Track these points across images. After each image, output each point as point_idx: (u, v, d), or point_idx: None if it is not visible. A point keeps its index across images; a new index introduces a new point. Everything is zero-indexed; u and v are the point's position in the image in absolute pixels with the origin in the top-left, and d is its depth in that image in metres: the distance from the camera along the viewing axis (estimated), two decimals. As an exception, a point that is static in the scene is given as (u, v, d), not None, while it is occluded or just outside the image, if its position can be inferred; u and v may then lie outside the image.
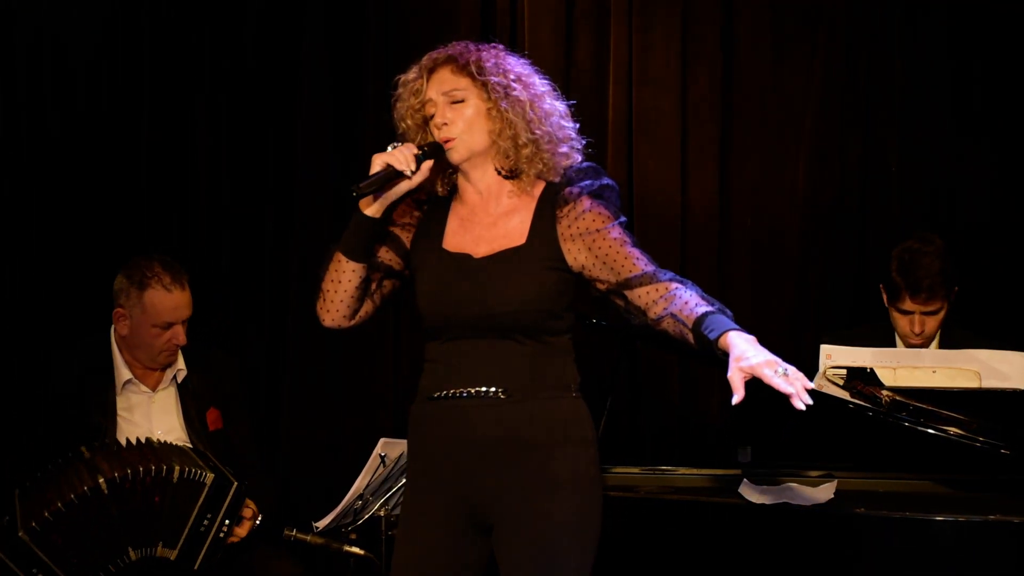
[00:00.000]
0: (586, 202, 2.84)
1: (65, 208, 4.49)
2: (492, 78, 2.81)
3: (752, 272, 4.74)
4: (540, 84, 2.88)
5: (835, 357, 3.70)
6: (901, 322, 3.99)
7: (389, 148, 2.83)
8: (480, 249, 2.86)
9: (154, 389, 3.84)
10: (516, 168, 2.85)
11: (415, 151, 2.82)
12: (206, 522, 3.48)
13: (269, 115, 4.67)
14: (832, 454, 3.70)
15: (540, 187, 2.89)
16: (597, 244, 2.82)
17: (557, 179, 2.88)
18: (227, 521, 3.50)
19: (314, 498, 4.29)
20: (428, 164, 2.83)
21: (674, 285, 2.83)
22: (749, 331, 4.60)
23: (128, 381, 3.80)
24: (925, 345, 3.99)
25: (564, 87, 4.61)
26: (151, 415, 3.81)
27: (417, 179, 2.83)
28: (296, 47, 4.66)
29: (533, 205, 2.86)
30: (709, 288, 4.59)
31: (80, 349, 3.86)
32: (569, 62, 4.73)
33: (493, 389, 2.80)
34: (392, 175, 2.81)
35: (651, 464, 3.84)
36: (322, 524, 3.61)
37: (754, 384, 2.77)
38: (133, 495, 3.41)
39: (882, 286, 4.07)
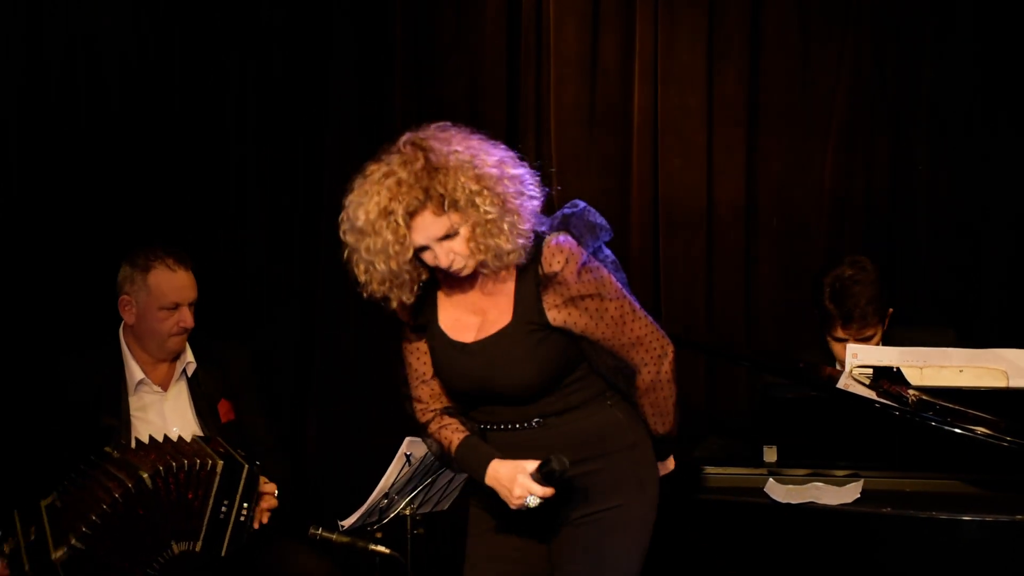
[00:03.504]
0: (569, 275, 2.85)
1: (92, 214, 4.50)
2: (461, 196, 2.78)
3: (779, 270, 4.71)
4: (489, 159, 2.85)
5: (861, 356, 3.69)
6: (836, 348, 3.98)
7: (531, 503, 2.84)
8: (468, 334, 2.92)
9: (165, 388, 3.85)
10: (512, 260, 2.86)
11: (544, 490, 2.82)
12: (224, 508, 3.49)
13: (298, 120, 4.68)
14: (858, 454, 3.69)
15: (516, 257, 2.87)
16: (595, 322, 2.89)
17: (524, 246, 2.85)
18: (245, 504, 3.51)
19: (340, 497, 4.30)
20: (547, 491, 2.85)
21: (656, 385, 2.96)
22: (776, 332, 4.65)
23: (140, 381, 3.81)
24: None
25: (589, 85, 4.73)
26: (164, 413, 3.83)
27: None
28: (325, 52, 4.66)
29: (514, 278, 2.88)
30: (736, 287, 4.68)
31: (89, 354, 3.87)
32: (594, 60, 4.72)
33: (526, 423, 2.91)
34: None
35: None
36: (348, 523, 3.62)
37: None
38: (168, 489, 3.42)
39: (816, 312, 4.05)
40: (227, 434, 3.81)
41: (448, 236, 2.81)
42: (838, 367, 3.94)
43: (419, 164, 2.79)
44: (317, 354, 4.69)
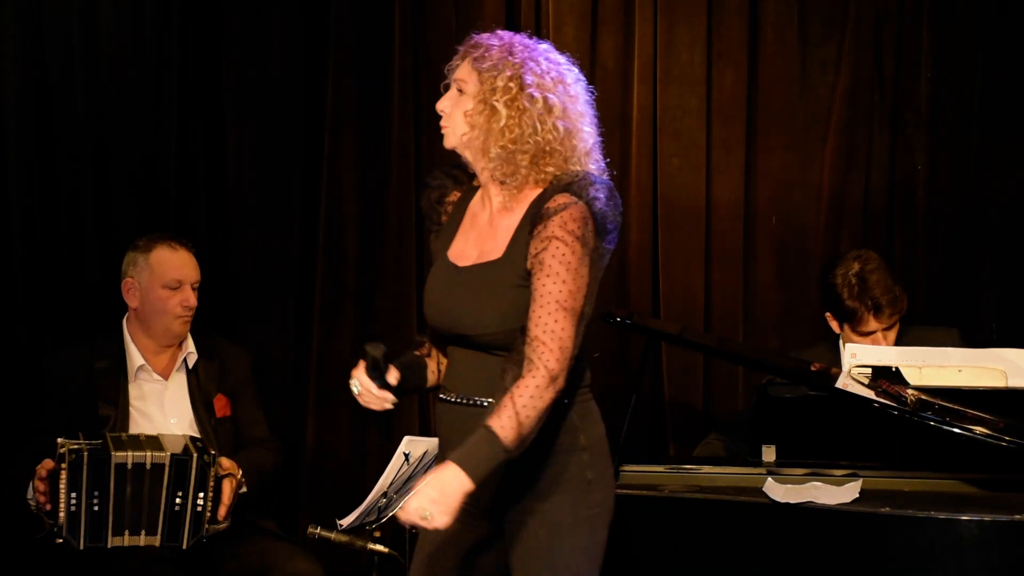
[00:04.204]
0: (557, 224, 2.70)
1: (92, 208, 4.50)
2: (487, 76, 2.75)
3: (777, 271, 4.72)
4: (552, 94, 2.76)
5: (860, 356, 3.70)
6: (863, 343, 3.97)
7: (354, 391, 2.83)
8: (467, 257, 2.84)
9: (166, 376, 3.86)
10: (490, 173, 2.80)
11: (376, 384, 2.80)
12: (179, 500, 3.51)
13: (296, 120, 4.68)
14: (857, 453, 3.69)
15: (534, 194, 2.79)
16: (535, 276, 2.72)
17: (545, 186, 2.77)
18: (200, 494, 3.53)
19: (338, 496, 4.30)
20: (396, 374, 2.83)
21: (521, 390, 2.65)
22: (777, 330, 4.65)
23: (140, 367, 3.83)
24: None
25: (588, 84, 4.69)
26: (164, 403, 3.85)
27: (393, 377, 2.83)
28: (324, 52, 4.66)
29: (521, 215, 2.78)
30: (734, 286, 4.68)
31: (89, 343, 3.90)
32: (593, 60, 4.71)
33: (482, 400, 2.77)
34: (386, 413, 2.86)
35: (675, 463, 3.83)
36: (346, 522, 3.61)
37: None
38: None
39: (829, 315, 4.05)
40: (222, 428, 3.85)
41: (460, 89, 2.78)
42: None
43: (503, 43, 2.78)
44: (315, 353, 4.68)
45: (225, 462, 3.67)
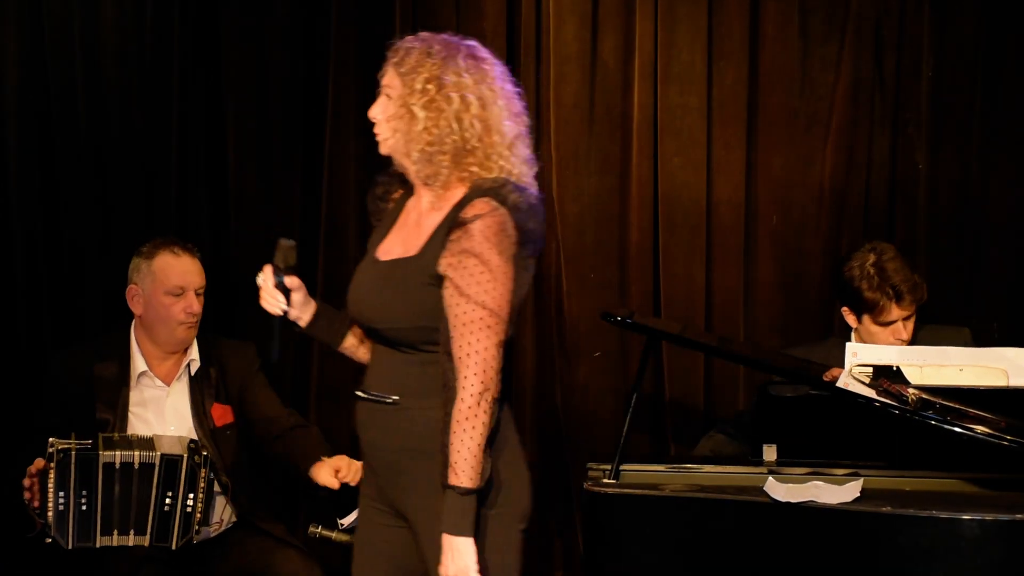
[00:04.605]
0: (474, 234, 2.71)
1: (92, 208, 4.50)
2: (407, 79, 2.79)
3: (778, 270, 4.71)
4: (470, 92, 2.78)
5: (861, 355, 3.69)
6: (882, 335, 3.98)
7: (258, 282, 2.91)
8: (390, 253, 2.87)
9: (168, 383, 3.86)
10: (414, 175, 2.84)
11: (273, 280, 2.89)
12: (168, 501, 3.51)
13: (297, 118, 4.68)
14: (859, 452, 3.69)
15: (460, 193, 2.81)
16: (452, 295, 2.74)
17: (467, 190, 2.79)
18: (190, 495, 3.53)
19: (339, 495, 4.29)
20: (296, 282, 2.91)
21: (455, 425, 2.70)
22: (779, 330, 4.65)
23: (143, 373, 3.83)
24: None
25: (589, 84, 4.72)
26: (164, 410, 3.85)
27: (298, 296, 2.91)
28: (324, 50, 4.66)
29: (443, 215, 2.81)
30: (735, 285, 4.68)
31: (92, 345, 3.90)
32: (594, 59, 4.71)
33: (386, 397, 2.83)
34: (280, 322, 2.91)
35: (676, 462, 3.82)
36: (347, 521, 3.61)
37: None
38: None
39: (847, 309, 4.05)
40: (222, 436, 3.83)
41: (387, 95, 2.83)
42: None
43: (423, 45, 2.82)
44: (316, 352, 4.68)
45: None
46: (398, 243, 2.88)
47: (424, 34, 2.87)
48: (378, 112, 2.87)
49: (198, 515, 3.58)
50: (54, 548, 3.51)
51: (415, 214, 2.89)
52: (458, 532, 2.72)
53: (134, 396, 3.83)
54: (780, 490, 3.41)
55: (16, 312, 4.41)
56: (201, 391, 3.87)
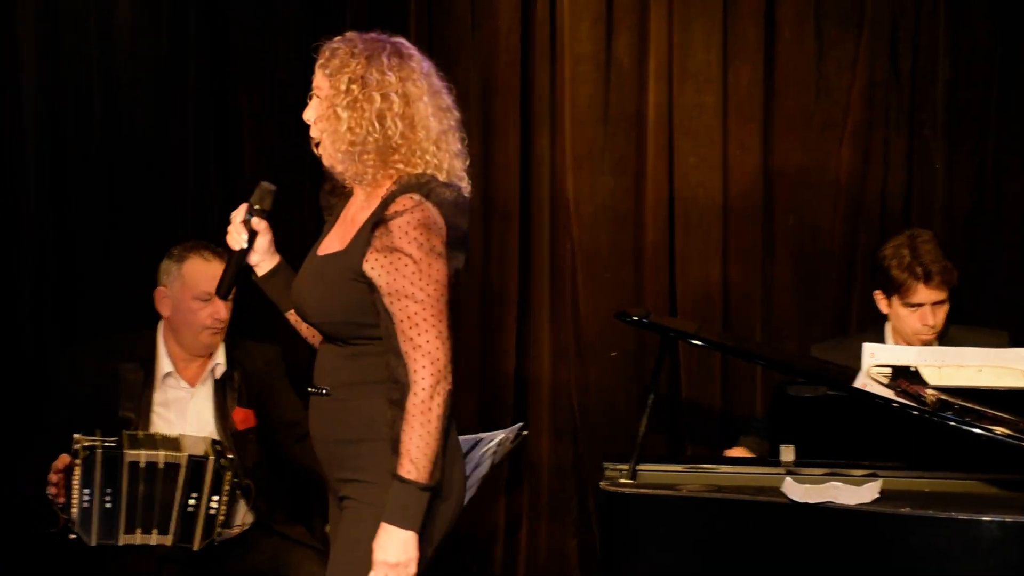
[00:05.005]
0: (397, 231, 2.73)
1: (113, 206, 4.51)
2: (333, 80, 2.80)
3: (795, 269, 4.71)
4: (393, 90, 2.79)
5: (879, 355, 3.68)
6: (911, 320, 3.97)
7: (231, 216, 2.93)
8: (327, 248, 2.90)
9: (193, 385, 3.86)
10: (341, 174, 2.85)
11: (243, 216, 2.92)
12: (192, 502, 3.52)
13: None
14: (877, 453, 3.68)
15: (386, 191, 2.82)
16: (386, 295, 2.75)
17: (393, 187, 2.80)
18: (215, 497, 3.53)
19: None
20: (264, 225, 2.93)
21: (409, 422, 2.71)
22: (795, 330, 4.64)
23: (168, 374, 3.83)
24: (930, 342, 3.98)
25: (604, 84, 4.71)
26: (186, 412, 3.85)
27: (263, 240, 2.95)
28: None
29: (371, 211, 2.82)
30: (751, 285, 4.67)
31: (120, 341, 3.89)
32: (609, 59, 4.71)
33: (322, 389, 2.86)
34: (238, 258, 2.93)
35: (692, 462, 3.82)
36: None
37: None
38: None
39: (879, 293, 4.04)
40: (242, 440, 3.83)
41: (317, 95, 2.84)
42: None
43: (348, 45, 2.83)
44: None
45: None
46: (336, 239, 2.91)
47: (350, 34, 2.88)
48: (310, 115, 2.88)
49: (221, 517, 3.58)
50: (76, 544, 3.51)
51: (353, 210, 2.92)
52: (404, 525, 2.71)
53: (158, 396, 3.83)
54: (798, 491, 3.40)
55: (26, 311, 4.41)
56: (224, 395, 3.87)
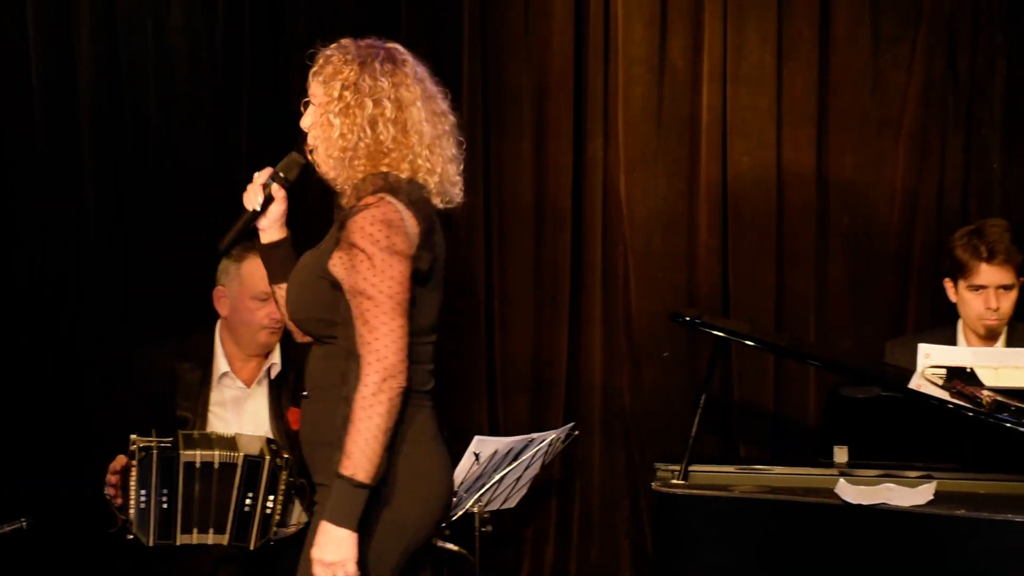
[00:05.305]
0: (356, 227, 2.72)
1: (169, 210, 4.56)
2: (327, 87, 2.82)
3: (850, 272, 4.67)
4: (385, 96, 2.80)
5: (934, 357, 3.65)
6: (975, 303, 3.92)
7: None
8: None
9: (249, 385, 3.89)
10: (333, 179, 2.86)
11: (265, 179, 2.93)
12: (249, 501, 3.55)
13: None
14: (932, 454, 3.65)
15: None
16: (347, 289, 2.76)
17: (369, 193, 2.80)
18: (271, 496, 3.56)
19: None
20: (282, 193, 2.94)
21: (353, 417, 2.69)
22: (849, 331, 4.62)
23: (224, 374, 3.86)
24: (996, 334, 3.92)
25: (657, 86, 4.71)
26: (242, 413, 3.87)
27: (277, 209, 2.95)
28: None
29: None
30: (805, 286, 4.65)
31: (180, 340, 3.93)
32: (663, 60, 4.70)
33: (303, 390, 2.88)
34: (249, 218, 2.94)
35: (745, 463, 3.80)
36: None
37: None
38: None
39: (948, 280, 4.01)
40: (294, 440, 3.85)
41: (312, 102, 2.86)
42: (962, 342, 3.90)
43: (342, 52, 2.85)
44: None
45: None
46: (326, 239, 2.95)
47: (345, 40, 2.89)
48: (307, 122, 2.89)
49: (277, 516, 3.60)
50: (135, 544, 3.56)
51: (337, 215, 2.92)
52: (340, 523, 2.68)
53: (214, 396, 3.86)
54: (851, 492, 3.38)
55: (85, 311, 4.48)
56: (279, 395, 3.90)
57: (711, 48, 4.68)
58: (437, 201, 2.86)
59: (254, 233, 3.00)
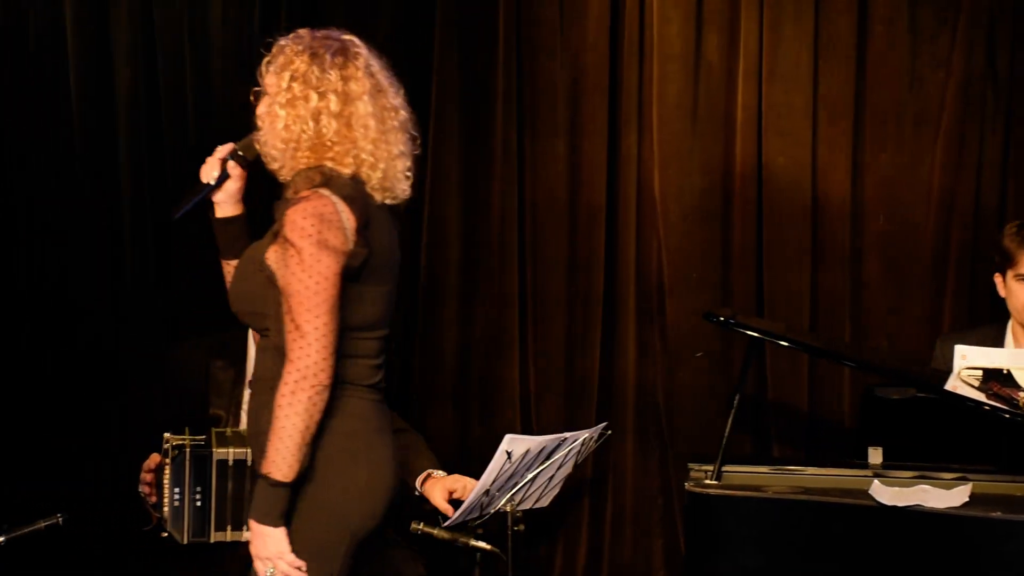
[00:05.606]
0: (287, 222, 2.73)
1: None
2: (277, 78, 2.83)
3: (886, 271, 4.64)
4: (332, 90, 2.81)
5: (970, 358, 3.62)
6: (1021, 294, 3.89)
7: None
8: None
9: None
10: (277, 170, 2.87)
11: (224, 154, 2.94)
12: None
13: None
14: (967, 456, 3.62)
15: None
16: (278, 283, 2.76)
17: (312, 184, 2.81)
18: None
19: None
20: (238, 171, 2.95)
21: (275, 414, 2.71)
22: (884, 331, 4.58)
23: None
24: None
25: (693, 82, 4.69)
26: None
27: (232, 185, 2.96)
28: (428, 48, 4.70)
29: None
30: (840, 285, 4.62)
31: (211, 341, 3.96)
32: (698, 57, 4.68)
33: (252, 381, 2.91)
34: (201, 190, 2.94)
35: (779, 464, 3.79)
36: (449, 520, 3.63)
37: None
38: None
39: (996, 276, 3.99)
40: None
41: (265, 91, 2.86)
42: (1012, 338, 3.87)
43: (295, 43, 2.86)
44: (418, 352, 4.72)
45: None
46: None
47: (301, 31, 2.90)
48: (260, 111, 2.89)
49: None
50: (169, 542, 3.58)
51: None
52: (262, 520, 2.74)
53: (247, 394, 3.88)
54: (886, 493, 3.37)
55: (124, 306, 4.51)
56: None
57: (747, 45, 4.66)
58: (379, 196, 2.86)
59: (210, 206, 3.01)
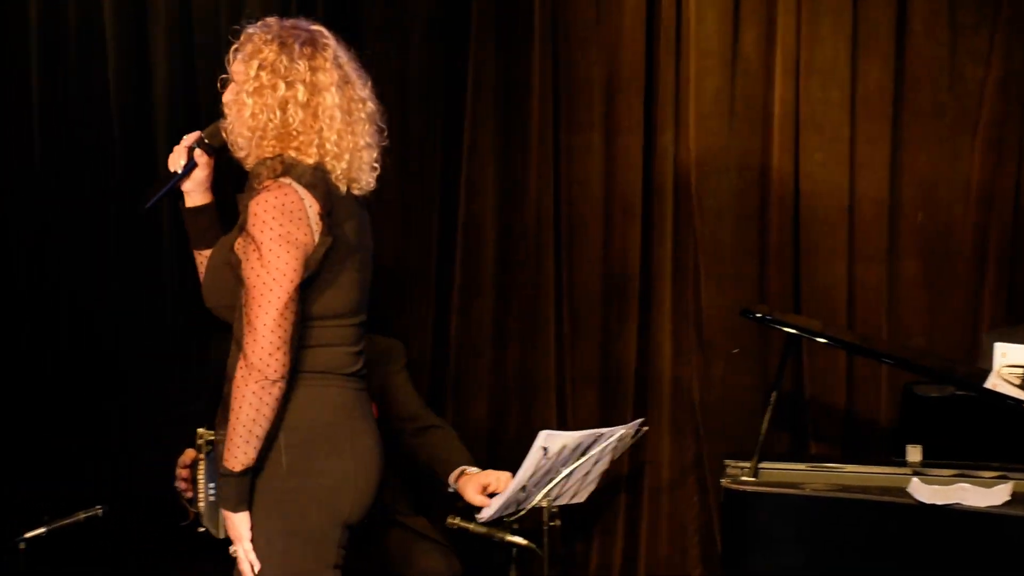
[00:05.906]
0: (250, 214, 2.74)
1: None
2: (245, 67, 2.82)
3: (924, 268, 4.61)
4: (299, 80, 2.80)
5: (1010, 355, 3.60)
6: None
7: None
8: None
9: None
10: (243, 159, 2.87)
11: (191, 142, 2.93)
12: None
13: (436, 111, 4.72)
14: (1008, 455, 3.60)
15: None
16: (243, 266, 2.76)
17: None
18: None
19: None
20: (205, 159, 2.93)
21: (232, 404, 2.74)
22: (922, 329, 4.55)
23: None
24: None
25: (729, 78, 4.68)
26: None
27: (200, 173, 2.94)
28: (464, 42, 4.70)
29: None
30: (878, 283, 4.59)
31: None
32: (735, 52, 4.66)
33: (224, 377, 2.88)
34: (169, 179, 2.93)
35: (816, 461, 3.77)
36: (485, 515, 3.64)
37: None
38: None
39: None
40: None
41: (232, 79, 2.86)
42: None
43: (263, 32, 2.85)
44: (453, 347, 4.72)
45: None
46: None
47: (271, 20, 2.89)
48: (227, 99, 2.89)
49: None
50: (206, 537, 3.60)
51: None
52: (225, 507, 2.81)
53: None
54: (925, 492, 3.35)
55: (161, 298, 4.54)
56: None
57: (784, 40, 4.64)
58: (344, 186, 2.85)
59: (180, 196, 3.00)
